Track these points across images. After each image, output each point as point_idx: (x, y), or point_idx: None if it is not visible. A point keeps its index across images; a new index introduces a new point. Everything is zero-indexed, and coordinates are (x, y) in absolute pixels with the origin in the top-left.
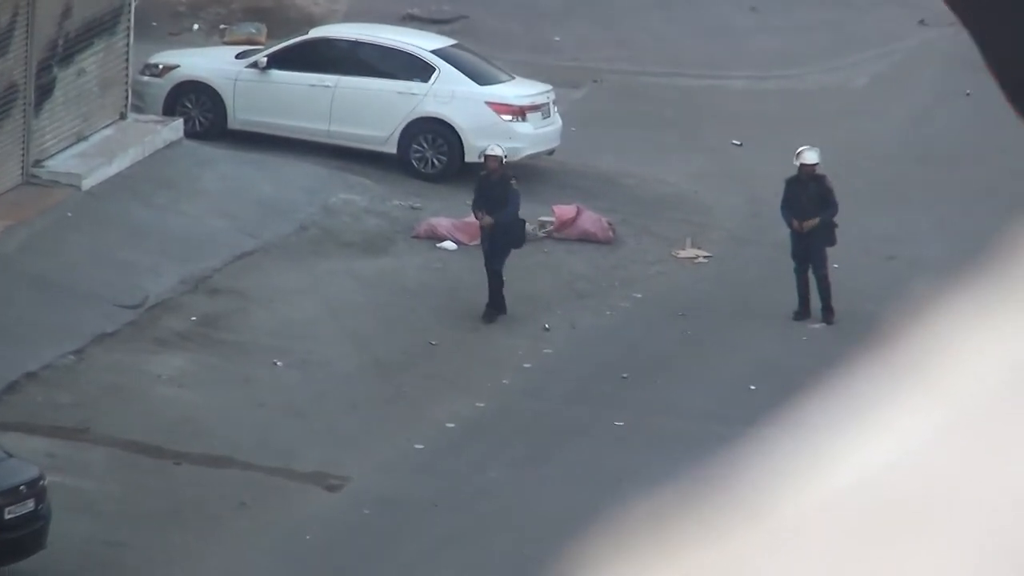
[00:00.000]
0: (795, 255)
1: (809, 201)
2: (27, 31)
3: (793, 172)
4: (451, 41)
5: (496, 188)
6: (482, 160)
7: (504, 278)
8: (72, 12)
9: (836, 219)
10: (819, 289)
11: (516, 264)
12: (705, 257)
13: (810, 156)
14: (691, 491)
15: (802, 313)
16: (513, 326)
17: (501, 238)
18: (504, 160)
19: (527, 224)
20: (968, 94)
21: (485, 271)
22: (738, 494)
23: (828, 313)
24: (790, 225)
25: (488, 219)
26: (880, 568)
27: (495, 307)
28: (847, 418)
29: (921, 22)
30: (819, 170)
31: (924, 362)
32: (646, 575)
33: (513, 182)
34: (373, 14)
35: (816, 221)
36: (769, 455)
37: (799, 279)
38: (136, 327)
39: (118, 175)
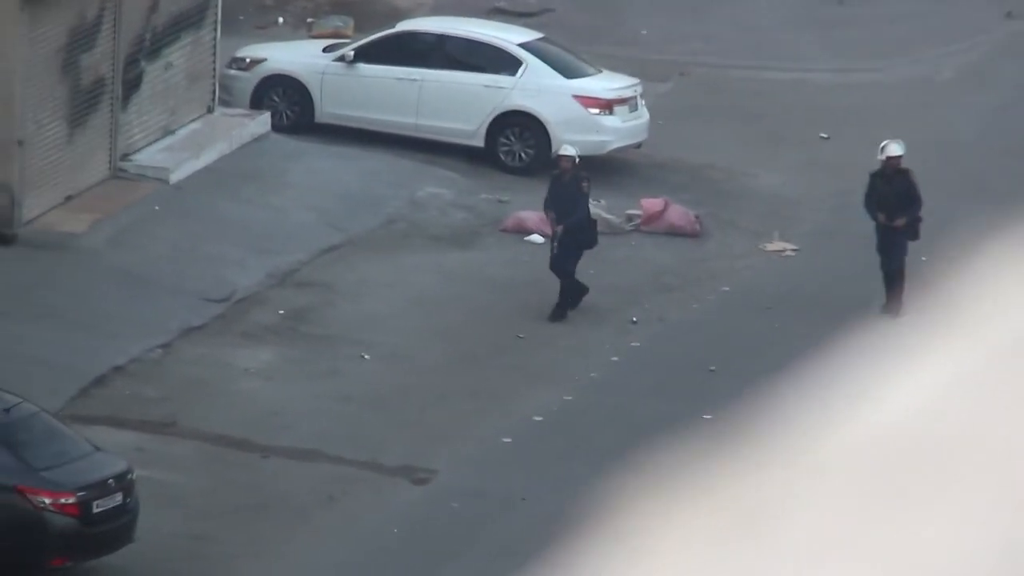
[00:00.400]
0: (880, 249)
1: (894, 195)
2: (114, 25)
3: (877, 165)
4: (538, 34)
5: (567, 188)
6: (554, 159)
7: (579, 279)
8: (159, 6)
9: (921, 213)
10: (890, 282)
11: (603, 257)
12: (793, 250)
13: (895, 149)
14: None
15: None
16: (600, 319)
17: (572, 240)
18: (577, 160)
19: (614, 218)
20: (1008, 14)
21: (553, 272)
22: (775, 437)
23: (896, 305)
24: (875, 219)
25: (558, 227)
26: (897, 511)
27: (564, 306)
28: (883, 364)
29: (1008, 15)
30: (904, 163)
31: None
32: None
33: (584, 184)
34: (460, 7)
35: (904, 220)
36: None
37: (885, 274)
38: (223, 321)
39: (205, 169)
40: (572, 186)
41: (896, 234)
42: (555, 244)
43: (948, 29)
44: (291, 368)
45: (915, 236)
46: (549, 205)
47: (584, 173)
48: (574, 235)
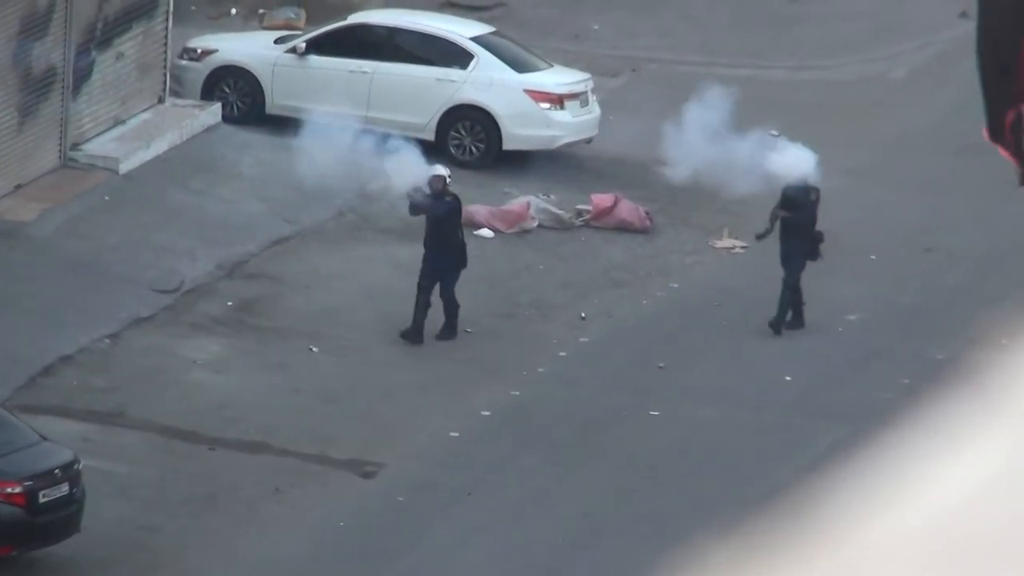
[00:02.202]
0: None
1: (796, 219)
2: (66, 14)
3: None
4: (490, 28)
5: (443, 209)
6: (427, 180)
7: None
8: None
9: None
10: (782, 298)
11: (553, 252)
12: (742, 247)
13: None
14: (737, 494)
15: (778, 325)
16: (549, 314)
17: (451, 264)
18: (448, 180)
19: (563, 213)
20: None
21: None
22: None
23: (780, 324)
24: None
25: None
26: None
27: (446, 326)
28: (924, 440)
29: (963, 15)
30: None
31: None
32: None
33: (456, 203)
34: (413, 1)
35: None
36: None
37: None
38: (172, 311)
39: (155, 159)
40: (448, 208)
41: (792, 249)
42: (432, 267)
43: (902, 28)
44: (240, 360)
45: (815, 256)
46: (411, 213)
47: (456, 195)
48: (455, 258)
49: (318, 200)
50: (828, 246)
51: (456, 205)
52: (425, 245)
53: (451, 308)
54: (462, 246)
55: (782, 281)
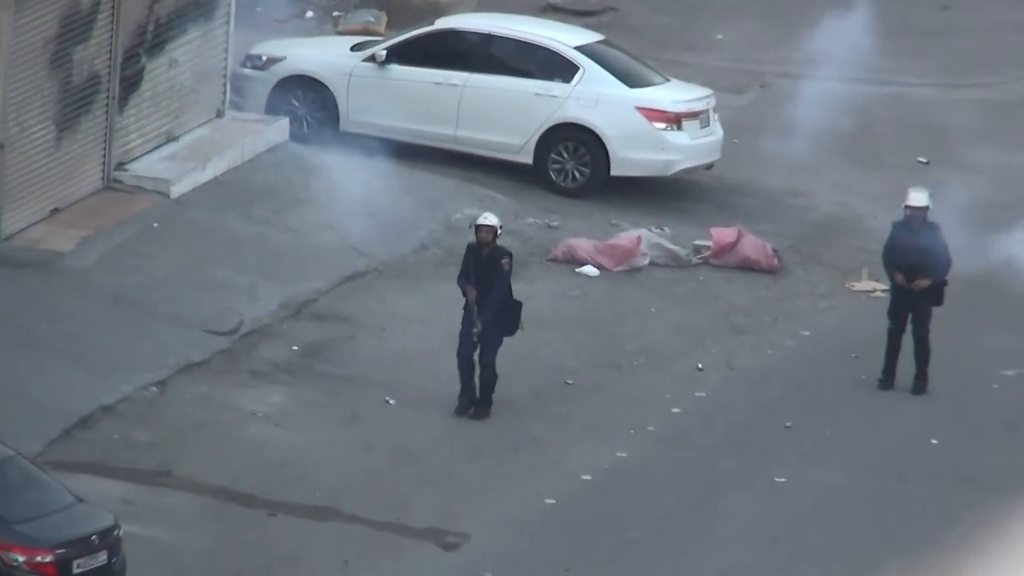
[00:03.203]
0: (892, 312)
1: (917, 251)
2: (112, 14)
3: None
4: (598, 36)
5: (485, 265)
6: (472, 229)
7: (498, 371)
8: None
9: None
10: (916, 352)
11: (667, 293)
12: (883, 291)
13: (917, 198)
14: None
15: (887, 382)
16: (661, 365)
17: (491, 327)
18: (499, 231)
19: (679, 249)
20: None
21: (457, 361)
22: None
23: (921, 382)
24: (891, 278)
25: (475, 320)
26: None
27: (482, 402)
28: None
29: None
30: (931, 216)
31: None
32: None
33: (505, 262)
34: (508, 4)
35: (927, 283)
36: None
37: (891, 341)
38: (228, 356)
39: (212, 181)
40: (490, 263)
41: (918, 298)
42: (475, 333)
43: None
44: (305, 412)
45: (939, 301)
46: (466, 279)
47: (506, 249)
48: (496, 320)
49: (397, 231)
50: (983, 290)
51: (501, 258)
52: (464, 310)
53: (489, 380)
54: (512, 307)
55: (913, 334)
